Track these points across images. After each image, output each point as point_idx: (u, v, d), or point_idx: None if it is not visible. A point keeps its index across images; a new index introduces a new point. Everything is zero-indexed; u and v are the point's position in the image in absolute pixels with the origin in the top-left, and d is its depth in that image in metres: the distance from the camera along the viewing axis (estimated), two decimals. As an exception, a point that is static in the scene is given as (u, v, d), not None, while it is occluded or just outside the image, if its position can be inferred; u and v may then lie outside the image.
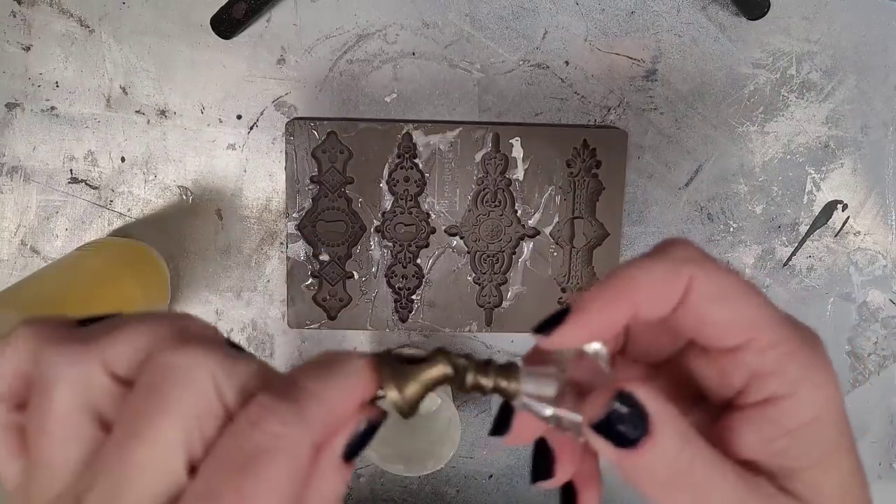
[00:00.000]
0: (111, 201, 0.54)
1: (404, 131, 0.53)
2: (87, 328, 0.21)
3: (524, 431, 0.25)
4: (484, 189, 0.54)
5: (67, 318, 0.22)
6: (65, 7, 0.51)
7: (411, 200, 0.54)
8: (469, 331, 0.56)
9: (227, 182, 0.54)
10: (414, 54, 0.53)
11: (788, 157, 0.56)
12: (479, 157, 0.53)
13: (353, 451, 0.22)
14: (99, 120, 0.53)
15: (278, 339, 0.56)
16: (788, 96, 0.55)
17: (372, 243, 0.54)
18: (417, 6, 0.52)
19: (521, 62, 0.53)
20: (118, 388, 0.20)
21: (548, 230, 0.55)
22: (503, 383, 0.23)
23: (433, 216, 0.54)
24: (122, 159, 0.53)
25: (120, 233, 0.54)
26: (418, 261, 0.55)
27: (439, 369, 0.23)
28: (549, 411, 0.23)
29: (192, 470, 0.19)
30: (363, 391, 0.22)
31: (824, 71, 0.55)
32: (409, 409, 0.23)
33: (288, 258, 0.54)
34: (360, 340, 0.57)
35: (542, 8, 0.53)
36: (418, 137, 0.53)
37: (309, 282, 0.54)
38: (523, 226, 0.55)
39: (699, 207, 0.56)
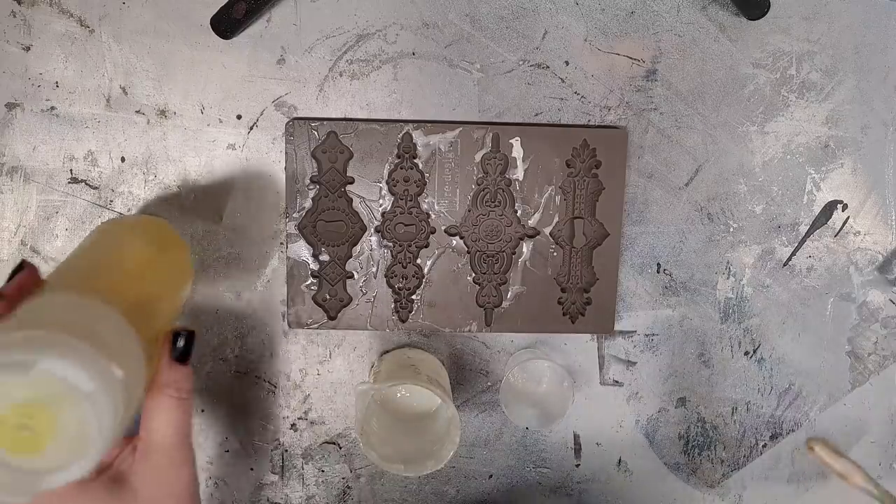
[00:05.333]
0: (111, 201, 0.54)
1: (404, 131, 0.53)
2: None
3: None
4: (484, 189, 0.54)
5: None
6: (65, 7, 0.51)
7: (411, 200, 0.54)
8: (469, 331, 0.56)
9: (227, 182, 0.54)
10: (414, 54, 0.53)
11: (788, 157, 0.56)
12: (479, 157, 0.53)
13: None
14: (99, 120, 0.53)
15: (278, 340, 0.56)
16: (788, 96, 0.55)
17: (372, 243, 0.54)
18: (417, 6, 0.52)
19: (521, 62, 0.53)
20: None
21: (548, 230, 0.55)
22: None
23: (433, 216, 0.54)
24: (122, 159, 0.53)
25: None
26: (418, 261, 0.55)
27: None
28: None
29: None
30: None
31: (824, 71, 0.55)
32: None
33: (288, 258, 0.54)
34: (360, 340, 0.57)
35: (542, 8, 0.53)
36: (418, 137, 0.53)
37: (309, 282, 0.54)
38: (523, 226, 0.55)
39: (699, 207, 0.56)
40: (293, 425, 0.58)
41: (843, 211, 0.57)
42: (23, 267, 0.37)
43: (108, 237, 0.46)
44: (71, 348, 0.30)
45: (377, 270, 0.55)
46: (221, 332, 0.56)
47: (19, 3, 0.51)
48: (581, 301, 0.55)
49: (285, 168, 0.53)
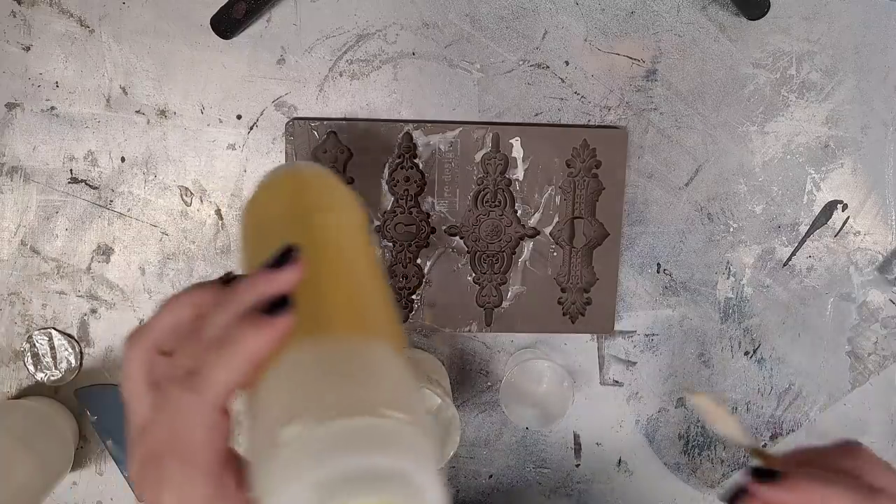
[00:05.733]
0: (111, 201, 0.54)
1: (404, 131, 0.53)
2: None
3: None
4: (484, 189, 0.54)
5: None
6: (65, 7, 0.51)
7: (411, 200, 0.54)
8: (469, 331, 0.56)
9: (227, 182, 0.54)
10: (414, 54, 0.53)
11: (788, 157, 0.56)
12: (479, 157, 0.53)
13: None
14: (99, 120, 0.53)
15: (278, 339, 0.56)
16: (788, 96, 0.55)
17: (372, 243, 0.54)
18: (417, 6, 0.52)
19: (521, 62, 0.53)
20: None
21: (548, 230, 0.55)
22: None
23: (433, 216, 0.54)
24: (122, 159, 0.53)
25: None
26: (418, 261, 0.55)
27: None
28: None
29: None
30: None
31: (824, 71, 0.55)
32: None
33: (288, 258, 0.54)
34: (360, 340, 0.57)
35: (542, 8, 0.53)
36: (418, 137, 0.53)
37: (309, 282, 0.54)
38: (523, 226, 0.55)
39: (699, 207, 0.56)
40: (293, 425, 0.58)
41: (843, 211, 0.57)
42: (291, 255, 0.28)
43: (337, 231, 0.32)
44: (432, 461, 0.25)
45: (377, 270, 0.54)
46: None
47: (19, 3, 0.51)
48: (581, 301, 0.55)
49: (285, 168, 0.53)
